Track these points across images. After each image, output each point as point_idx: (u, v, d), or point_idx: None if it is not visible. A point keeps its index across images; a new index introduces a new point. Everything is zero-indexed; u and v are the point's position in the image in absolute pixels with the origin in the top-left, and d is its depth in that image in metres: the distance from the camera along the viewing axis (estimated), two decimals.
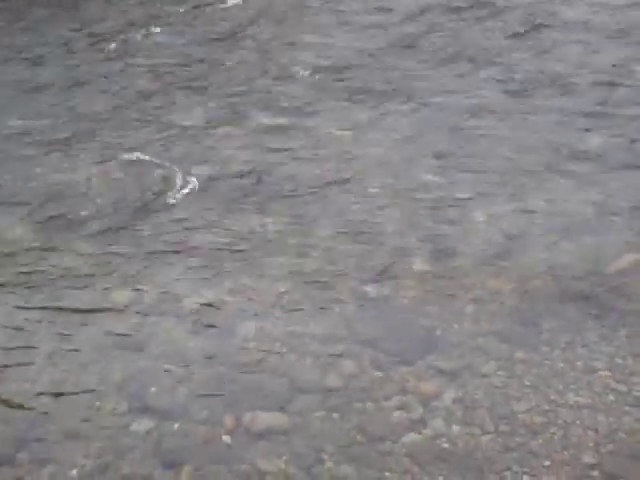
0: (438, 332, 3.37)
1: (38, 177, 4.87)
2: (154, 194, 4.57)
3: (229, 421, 3.03)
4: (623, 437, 2.80)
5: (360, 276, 3.74)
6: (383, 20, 6.70)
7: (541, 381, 3.07)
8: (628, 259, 3.67)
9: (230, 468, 2.86)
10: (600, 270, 3.63)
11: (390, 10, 6.87)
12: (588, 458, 2.74)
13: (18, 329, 3.63)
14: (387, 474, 2.77)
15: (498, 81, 5.46)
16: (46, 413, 3.16)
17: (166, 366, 3.32)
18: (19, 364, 3.43)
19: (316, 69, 5.88)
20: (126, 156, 4.99)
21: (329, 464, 2.83)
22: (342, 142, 4.93)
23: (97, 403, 3.19)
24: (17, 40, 7.28)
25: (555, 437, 2.83)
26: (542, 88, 5.31)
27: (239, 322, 3.54)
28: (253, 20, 7.09)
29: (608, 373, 3.08)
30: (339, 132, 5.03)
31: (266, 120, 5.27)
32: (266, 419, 3.03)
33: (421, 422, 2.95)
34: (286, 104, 5.46)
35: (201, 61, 6.39)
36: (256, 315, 3.56)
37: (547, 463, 2.74)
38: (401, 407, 3.02)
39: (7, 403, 3.23)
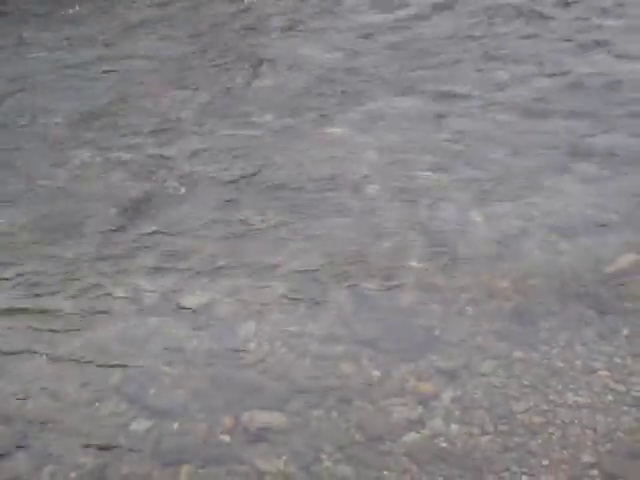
0: (437, 332, 3.37)
1: None
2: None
3: (228, 421, 3.04)
4: (622, 437, 2.80)
5: (359, 276, 3.74)
6: None
7: (540, 381, 3.07)
8: (628, 259, 3.67)
9: (229, 468, 2.86)
10: (600, 270, 3.63)
11: None
12: (587, 457, 2.74)
13: None
14: (386, 473, 2.77)
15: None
16: (46, 413, 3.16)
17: (165, 366, 3.32)
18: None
19: None
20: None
21: (328, 463, 2.83)
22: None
23: (97, 403, 3.19)
24: None
25: (554, 437, 2.83)
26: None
27: (239, 322, 3.54)
28: None
29: (607, 373, 3.08)
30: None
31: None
32: (265, 419, 3.03)
33: (420, 422, 2.95)
34: None
35: None
36: (255, 315, 3.57)
37: (546, 463, 2.73)
38: (400, 407, 3.02)
39: (7, 401, 3.24)
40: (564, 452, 2.77)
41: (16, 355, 3.47)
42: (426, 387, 3.10)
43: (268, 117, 5.41)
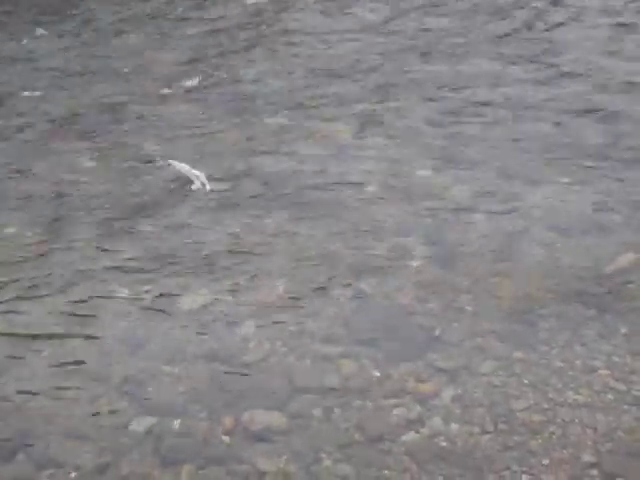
0: (437, 331, 3.37)
1: None
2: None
3: (228, 421, 3.03)
4: (622, 436, 2.80)
5: (359, 275, 3.74)
6: None
7: (540, 380, 3.06)
8: (628, 259, 3.67)
9: (229, 467, 2.85)
10: (599, 269, 3.63)
11: None
12: (587, 457, 2.73)
13: None
14: (386, 473, 2.77)
15: None
16: (46, 413, 3.17)
17: (165, 365, 3.32)
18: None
19: None
20: None
21: (328, 463, 2.83)
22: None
23: (96, 403, 3.19)
24: None
25: (554, 436, 2.83)
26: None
27: (239, 322, 3.54)
28: None
29: (607, 372, 3.08)
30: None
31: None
32: (265, 419, 3.03)
33: (420, 421, 2.95)
34: None
35: None
36: (255, 315, 3.57)
37: (546, 462, 2.73)
38: (400, 406, 3.01)
39: (6, 401, 3.24)
40: (564, 451, 2.76)
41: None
42: (426, 387, 3.10)
43: None
